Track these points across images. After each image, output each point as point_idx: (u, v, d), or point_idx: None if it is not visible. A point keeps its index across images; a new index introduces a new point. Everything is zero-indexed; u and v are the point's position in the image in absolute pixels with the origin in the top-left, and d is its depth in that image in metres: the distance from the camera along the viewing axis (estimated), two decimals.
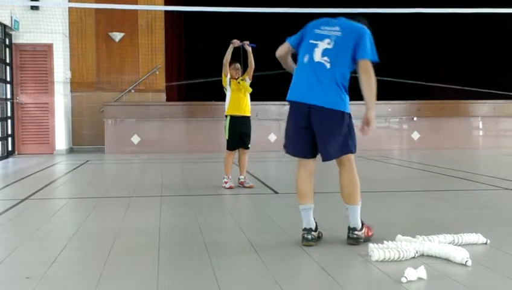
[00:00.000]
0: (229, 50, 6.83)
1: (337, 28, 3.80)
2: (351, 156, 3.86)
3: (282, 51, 4.07)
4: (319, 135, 3.75)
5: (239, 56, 6.97)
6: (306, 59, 3.80)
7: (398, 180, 7.96)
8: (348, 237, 3.85)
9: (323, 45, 3.75)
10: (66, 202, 5.99)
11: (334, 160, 3.86)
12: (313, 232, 3.85)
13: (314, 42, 3.79)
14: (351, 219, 3.86)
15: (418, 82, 16.78)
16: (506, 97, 14.88)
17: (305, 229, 3.85)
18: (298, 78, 3.86)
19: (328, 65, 3.72)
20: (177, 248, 3.82)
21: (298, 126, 3.82)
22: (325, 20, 3.93)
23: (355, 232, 3.83)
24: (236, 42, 6.85)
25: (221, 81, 6.90)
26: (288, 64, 4.14)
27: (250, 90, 6.79)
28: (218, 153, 10.87)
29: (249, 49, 6.86)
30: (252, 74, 6.85)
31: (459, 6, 10.89)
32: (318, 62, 3.74)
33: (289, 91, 3.89)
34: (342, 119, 3.74)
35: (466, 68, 18.33)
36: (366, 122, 3.75)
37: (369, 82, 3.69)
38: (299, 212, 3.95)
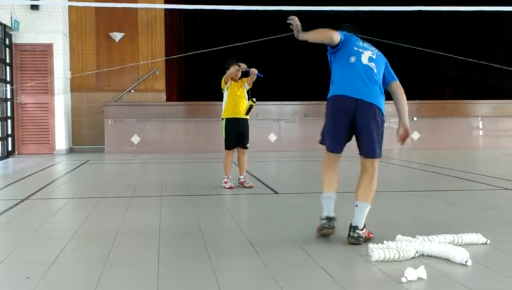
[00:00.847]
0: (232, 70, 6.66)
1: (373, 49, 4.18)
2: (378, 160, 4.07)
3: (332, 36, 4.12)
4: (364, 129, 3.97)
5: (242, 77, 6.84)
6: (353, 60, 4.05)
7: (398, 180, 7.96)
8: (350, 235, 3.87)
9: (368, 53, 4.10)
10: (66, 202, 5.99)
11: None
12: (333, 221, 3.94)
13: (359, 50, 4.10)
14: (356, 217, 3.92)
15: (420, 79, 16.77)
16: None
17: (326, 218, 3.94)
18: (346, 76, 4.05)
19: (375, 70, 4.04)
20: (177, 248, 3.82)
21: (341, 121, 4.00)
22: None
23: (357, 231, 3.87)
24: (243, 67, 6.66)
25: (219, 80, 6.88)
26: (313, 39, 4.25)
27: (253, 103, 6.77)
28: (218, 153, 10.87)
29: (254, 77, 6.68)
30: (251, 82, 6.79)
31: (460, 4, 10.89)
32: (366, 65, 4.03)
33: (335, 87, 4.08)
34: (382, 120, 4.04)
35: (466, 68, 18.32)
36: (406, 132, 4.09)
37: (404, 97, 4.16)
38: (321, 201, 4.01)
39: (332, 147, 4.07)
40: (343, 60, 4.10)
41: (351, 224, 3.91)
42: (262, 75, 6.69)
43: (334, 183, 4.06)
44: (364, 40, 4.29)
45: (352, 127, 3.97)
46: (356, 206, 3.96)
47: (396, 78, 4.17)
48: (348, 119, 3.96)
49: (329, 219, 3.93)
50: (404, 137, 4.06)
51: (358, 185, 4.03)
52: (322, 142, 4.15)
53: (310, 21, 5.85)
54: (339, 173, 4.11)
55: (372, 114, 3.95)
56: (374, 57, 4.09)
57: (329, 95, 4.12)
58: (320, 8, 9.21)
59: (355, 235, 3.84)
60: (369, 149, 3.98)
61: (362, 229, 3.89)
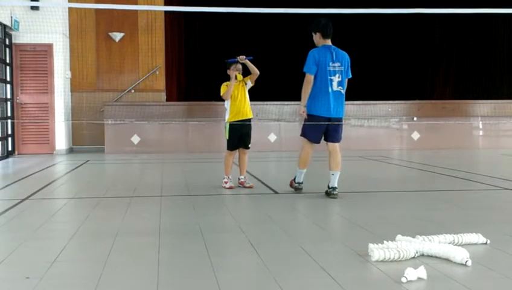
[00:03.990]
0: (231, 85, 6.66)
1: (338, 64, 5.94)
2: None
3: (311, 81, 5.97)
4: (334, 131, 6.04)
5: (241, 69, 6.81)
6: (329, 90, 5.94)
7: (398, 180, 7.96)
8: (332, 193, 5.86)
9: (336, 78, 5.95)
10: (66, 202, 5.99)
11: (322, 146, 6.19)
12: (302, 184, 6.26)
13: (331, 78, 5.93)
14: (335, 181, 5.90)
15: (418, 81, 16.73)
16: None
17: (298, 183, 6.26)
18: (323, 101, 5.93)
19: (342, 92, 6.03)
20: (177, 248, 3.82)
21: (321, 129, 6.00)
22: (328, 53, 5.94)
23: (337, 190, 5.89)
24: (242, 58, 6.64)
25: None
26: (305, 94, 6.03)
27: (241, 78, 6.72)
28: (218, 153, 10.88)
29: (247, 62, 6.66)
30: (254, 79, 6.78)
31: (459, 6, 10.88)
32: (336, 90, 5.97)
33: (316, 108, 5.97)
34: (342, 120, 6.13)
35: (466, 68, 18.34)
36: None
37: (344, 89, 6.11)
38: (298, 173, 6.21)
39: (314, 140, 6.09)
40: (321, 87, 5.92)
41: (332, 186, 5.86)
42: (252, 58, 6.70)
43: (307, 163, 6.14)
44: (334, 43, 6.04)
45: (327, 129, 6.00)
46: (333, 174, 5.91)
47: (350, 75, 6.07)
48: (324, 128, 6.00)
49: (300, 183, 6.24)
50: None
51: (333, 161, 5.95)
52: (303, 135, 6.13)
53: (305, 20, 6.22)
54: (333, 157, 6.00)
55: (340, 123, 6.02)
56: (340, 79, 5.94)
57: (313, 111, 5.96)
58: (319, 11, 9.19)
59: (335, 192, 5.86)
60: (337, 139, 6.05)
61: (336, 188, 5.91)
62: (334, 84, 5.92)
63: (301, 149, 6.19)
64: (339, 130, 6.06)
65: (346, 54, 6.07)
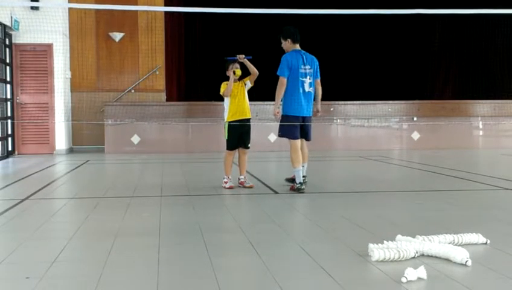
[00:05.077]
0: (231, 81, 6.68)
1: (309, 67, 6.48)
2: None
3: (284, 84, 6.42)
4: (307, 128, 6.61)
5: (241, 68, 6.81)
6: (301, 90, 6.46)
7: (398, 180, 7.96)
8: (305, 181, 6.45)
9: (307, 80, 6.49)
10: (66, 202, 5.99)
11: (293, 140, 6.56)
12: (304, 183, 6.39)
13: (302, 80, 6.45)
14: (305, 170, 6.58)
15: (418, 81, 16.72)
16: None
17: (300, 183, 6.33)
18: (297, 101, 6.43)
19: (312, 92, 6.57)
20: (177, 248, 3.82)
21: (297, 126, 6.50)
22: (299, 57, 6.44)
23: (306, 177, 6.57)
24: (241, 57, 6.69)
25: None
26: (279, 95, 6.49)
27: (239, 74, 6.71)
28: (218, 153, 10.87)
29: (246, 61, 6.69)
30: (254, 79, 6.80)
31: (459, 7, 10.88)
32: (308, 91, 6.51)
33: (291, 108, 6.45)
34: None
35: (466, 68, 18.34)
36: (318, 112, 6.85)
37: (320, 91, 6.74)
38: (295, 173, 6.35)
39: (296, 137, 6.48)
40: (295, 89, 6.41)
41: (304, 176, 6.46)
42: (251, 57, 6.74)
43: (300, 160, 6.41)
44: (303, 48, 6.58)
45: (302, 127, 6.52)
46: (303, 166, 6.45)
47: (319, 77, 6.65)
48: (300, 125, 6.48)
49: (301, 183, 6.33)
50: (317, 114, 6.81)
51: (304, 154, 6.54)
52: (283, 136, 6.58)
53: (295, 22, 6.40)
54: (300, 151, 6.48)
55: (310, 120, 6.61)
56: (311, 80, 6.47)
57: (288, 112, 6.44)
58: (320, 11, 9.18)
59: (305, 180, 6.51)
60: (309, 138, 6.66)
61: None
62: (306, 85, 6.45)
63: (290, 149, 6.51)
64: (310, 128, 6.66)
65: (315, 57, 6.61)
